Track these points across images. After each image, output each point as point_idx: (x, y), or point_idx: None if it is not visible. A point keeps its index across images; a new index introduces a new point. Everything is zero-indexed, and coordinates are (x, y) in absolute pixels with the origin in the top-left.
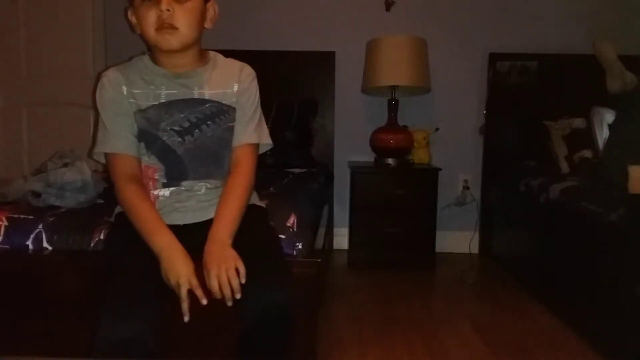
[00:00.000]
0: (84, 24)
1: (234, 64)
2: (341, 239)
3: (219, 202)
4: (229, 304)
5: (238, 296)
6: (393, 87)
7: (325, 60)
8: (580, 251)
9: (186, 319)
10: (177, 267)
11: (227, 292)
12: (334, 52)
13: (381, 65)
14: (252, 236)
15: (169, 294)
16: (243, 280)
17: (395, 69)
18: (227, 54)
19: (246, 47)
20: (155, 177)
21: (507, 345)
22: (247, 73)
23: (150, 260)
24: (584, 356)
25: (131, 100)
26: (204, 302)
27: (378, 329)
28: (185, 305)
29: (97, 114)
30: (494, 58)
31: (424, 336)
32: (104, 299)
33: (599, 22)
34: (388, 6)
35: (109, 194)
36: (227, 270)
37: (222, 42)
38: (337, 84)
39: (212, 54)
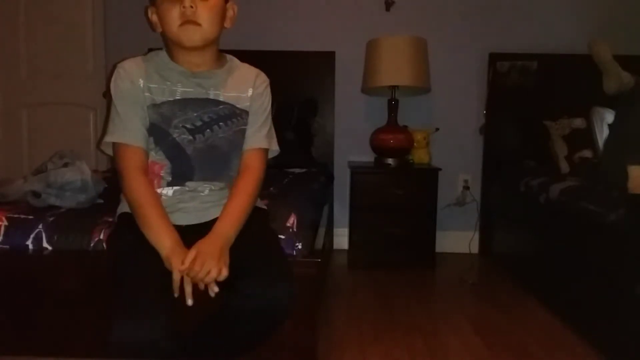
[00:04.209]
0: (84, 24)
1: (250, 70)
2: (341, 239)
3: (227, 200)
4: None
5: (212, 293)
6: (393, 87)
7: (325, 60)
8: (580, 251)
9: (189, 302)
10: (176, 264)
11: (200, 279)
12: (334, 52)
13: (381, 65)
14: (253, 237)
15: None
16: (216, 289)
17: (395, 69)
18: (227, 53)
19: (246, 47)
20: (161, 175)
21: (507, 345)
22: (262, 80)
23: (159, 260)
24: (583, 356)
25: (146, 94)
26: (190, 302)
27: (378, 329)
28: (186, 290)
29: (109, 104)
30: (494, 58)
31: (424, 336)
32: (114, 300)
33: (599, 22)
34: (388, 6)
35: (109, 194)
36: (211, 268)
37: (223, 42)
38: (337, 84)
39: (228, 57)
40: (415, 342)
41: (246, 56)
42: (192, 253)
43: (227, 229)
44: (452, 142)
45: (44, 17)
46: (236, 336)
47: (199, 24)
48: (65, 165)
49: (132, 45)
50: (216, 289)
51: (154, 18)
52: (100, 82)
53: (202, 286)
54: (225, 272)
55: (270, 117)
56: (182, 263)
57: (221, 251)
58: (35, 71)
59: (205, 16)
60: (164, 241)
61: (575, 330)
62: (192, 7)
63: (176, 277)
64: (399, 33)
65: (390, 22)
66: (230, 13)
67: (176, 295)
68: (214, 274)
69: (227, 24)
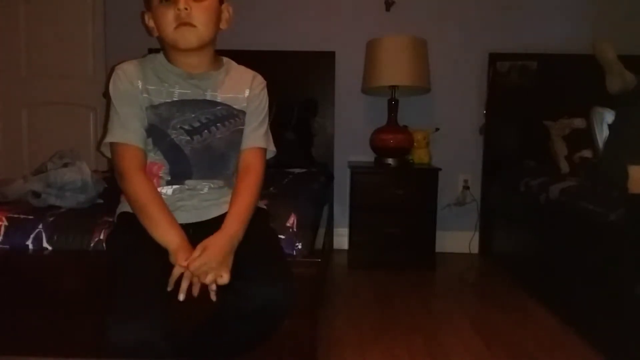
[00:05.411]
0: (84, 24)
1: (247, 72)
2: (341, 239)
3: (231, 201)
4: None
5: (213, 295)
6: (393, 87)
7: (325, 60)
8: (580, 251)
9: (181, 297)
10: (180, 260)
11: (197, 278)
12: (334, 52)
13: (381, 65)
14: (253, 237)
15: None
16: (214, 287)
17: (395, 69)
18: (228, 54)
19: (246, 47)
20: (160, 175)
21: (507, 345)
22: (259, 81)
23: (158, 261)
24: (584, 356)
25: (144, 96)
26: (181, 297)
27: (378, 329)
28: (182, 285)
29: (108, 106)
30: (494, 58)
31: (424, 336)
32: (112, 300)
33: (599, 22)
34: (388, 6)
35: (109, 194)
36: (211, 270)
37: (223, 42)
38: (337, 84)
39: (225, 59)
40: (415, 342)
41: (246, 56)
42: (197, 251)
43: (235, 229)
44: (452, 142)
45: (44, 17)
46: (236, 336)
47: (194, 26)
48: (65, 165)
49: (132, 46)
50: (214, 287)
51: (151, 23)
52: (100, 82)
53: (195, 292)
54: (226, 278)
55: (267, 118)
56: (186, 260)
57: (226, 255)
58: (35, 71)
59: (200, 18)
60: (172, 237)
61: (575, 330)
62: (186, 9)
63: (176, 271)
64: (399, 33)
65: (390, 22)
66: (225, 14)
67: (169, 289)
68: (212, 277)
69: (222, 25)
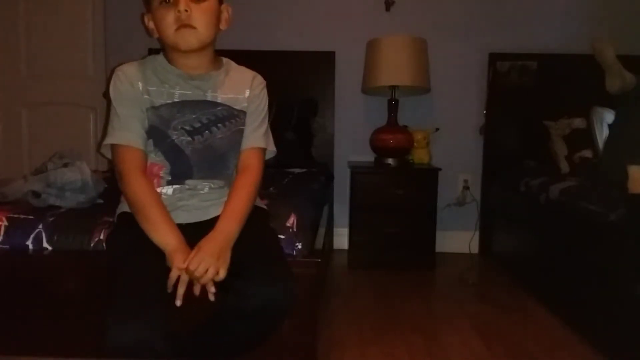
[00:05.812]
0: (84, 24)
1: (247, 72)
2: (341, 239)
3: (227, 199)
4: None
5: (211, 296)
6: (393, 87)
7: (325, 60)
8: (580, 251)
9: (178, 303)
10: (177, 262)
11: (197, 277)
12: (334, 52)
13: (381, 65)
14: (253, 237)
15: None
16: (213, 290)
17: (395, 69)
18: (228, 54)
19: (246, 47)
20: (160, 175)
21: (507, 346)
22: (259, 81)
23: (158, 261)
24: (583, 356)
25: (145, 97)
26: (178, 303)
27: (378, 329)
28: (178, 291)
29: (108, 108)
30: (494, 58)
31: (424, 336)
32: (111, 300)
33: (599, 22)
34: (388, 6)
35: (109, 194)
36: (209, 267)
37: (223, 42)
38: (337, 84)
39: (224, 59)
40: (415, 342)
41: (246, 56)
42: (194, 253)
43: (230, 226)
44: (452, 142)
45: (44, 17)
46: (235, 336)
47: (194, 27)
48: (65, 165)
49: (132, 46)
50: (213, 289)
51: (151, 25)
52: (100, 82)
53: (197, 291)
54: (222, 274)
55: (267, 118)
56: (184, 262)
57: (221, 250)
58: (35, 71)
59: (200, 19)
60: (169, 239)
61: (575, 330)
62: (186, 10)
63: (173, 274)
64: (399, 33)
65: (390, 22)
66: (225, 15)
67: (169, 291)
68: (210, 273)
69: (222, 26)
